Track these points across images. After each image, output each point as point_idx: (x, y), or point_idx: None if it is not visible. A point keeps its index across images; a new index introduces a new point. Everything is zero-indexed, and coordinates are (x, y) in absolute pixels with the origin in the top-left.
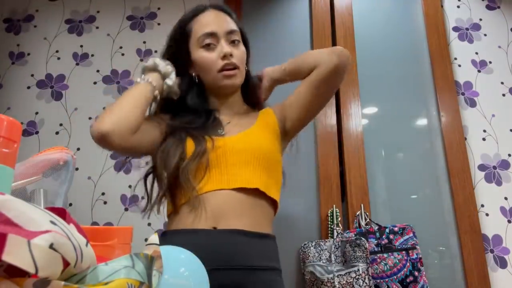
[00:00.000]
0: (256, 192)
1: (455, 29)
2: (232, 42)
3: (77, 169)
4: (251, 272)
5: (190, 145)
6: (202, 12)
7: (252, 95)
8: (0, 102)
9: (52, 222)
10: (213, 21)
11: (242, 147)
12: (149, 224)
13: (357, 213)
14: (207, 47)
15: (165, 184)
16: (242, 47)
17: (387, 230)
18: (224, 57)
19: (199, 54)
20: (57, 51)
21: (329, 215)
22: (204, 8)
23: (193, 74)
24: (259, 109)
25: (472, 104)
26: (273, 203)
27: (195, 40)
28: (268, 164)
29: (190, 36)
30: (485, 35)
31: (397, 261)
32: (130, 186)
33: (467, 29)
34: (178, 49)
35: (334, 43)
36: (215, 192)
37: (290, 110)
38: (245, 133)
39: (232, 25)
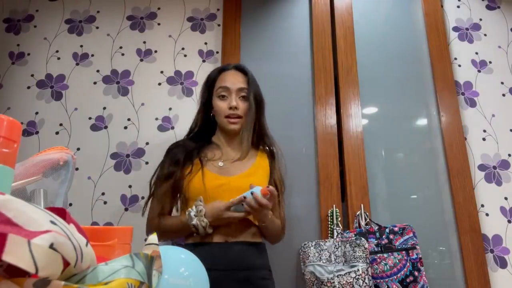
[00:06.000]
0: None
1: (455, 29)
2: (242, 97)
3: (77, 169)
4: (251, 271)
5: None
6: (225, 70)
7: (256, 140)
8: (0, 102)
9: (52, 222)
10: (229, 79)
11: (240, 186)
12: None
13: (357, 213)
14: (222, 97)
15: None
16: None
17: (387, 230)
18: (231, 108)
19: (215, 101)
20: (57, 51)
21: (329, 215)
22: (228, 67)
23: (211, 113)
24: (259, 147)
25: (472, 104)
26: None
27: (215, 90)
28: None
29: (214, 86)
30: (485, 35)
31: (397, 261)
32: (130, 186)
33: (467, 29)
34: (206, 93)
35: (334, 43)
36: None
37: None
38: (244, 174)
39: (244, 84)
